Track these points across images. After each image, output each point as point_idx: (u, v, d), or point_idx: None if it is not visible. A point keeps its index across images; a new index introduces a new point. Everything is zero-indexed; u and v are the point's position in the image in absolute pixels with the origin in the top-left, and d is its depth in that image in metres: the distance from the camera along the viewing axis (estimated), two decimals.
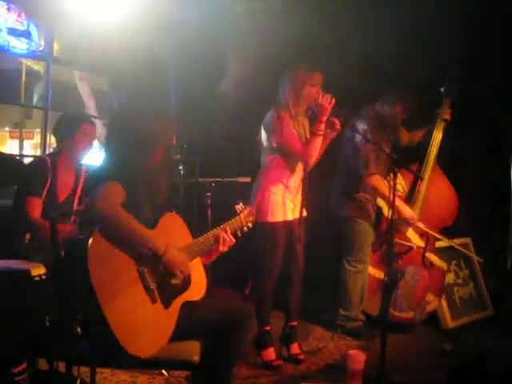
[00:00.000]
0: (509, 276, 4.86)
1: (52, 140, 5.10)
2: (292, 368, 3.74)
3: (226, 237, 2.71)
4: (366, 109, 4.41)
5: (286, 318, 3.94)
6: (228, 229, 2.74)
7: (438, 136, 4.55)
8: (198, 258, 2.63)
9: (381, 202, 4.41)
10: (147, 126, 2.51)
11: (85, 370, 2.91)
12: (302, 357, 3.84)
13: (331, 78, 3.78)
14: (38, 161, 3.63)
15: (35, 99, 8.13)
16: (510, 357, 3.45)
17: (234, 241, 2.75)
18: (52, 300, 2.61)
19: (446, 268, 4.70)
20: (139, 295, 2.25)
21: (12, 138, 15.92)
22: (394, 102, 4.34)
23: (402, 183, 4.57)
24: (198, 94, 5.85)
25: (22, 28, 5.58)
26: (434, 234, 4.47)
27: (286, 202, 3.74)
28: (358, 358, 3.30)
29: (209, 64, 5.83)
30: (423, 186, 4.53)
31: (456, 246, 4.76)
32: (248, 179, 3.84)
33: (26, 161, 5.55)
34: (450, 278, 4.85)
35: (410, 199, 4.54)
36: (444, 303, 4.67)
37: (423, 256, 4.49)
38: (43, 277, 2.73)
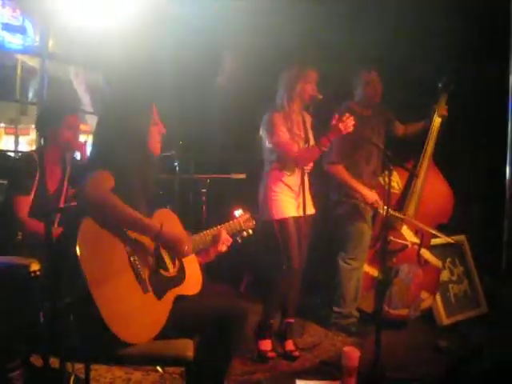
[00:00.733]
0: (503, 273, 4.87)
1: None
2: (286, 365, 3.75)
3: (225, 236, 2.72)
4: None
5: (283, 315, 3.95)
6: (224, 230, 2.74)
7: (434, 132, 4.54)
8: (193, 255, 2.63)
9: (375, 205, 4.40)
10: (136, 117, 2.49)
11: (79, 367, 2.91)
12: (296, 354, 3.85)
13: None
14: (25, 157, 3.59)
15: (31, 95, 8.09)
16: (504, 354, 3.45)
17: (231, 240, 2.75)
18: (46, 295, 2.60)
19: (440, 266, 4.71)
20: (130, 283, 2.24)
21: (7, 134, 15.86)
22: (360, 85, 4.38)
23: (397, 180, 4.57)
24: (194, 90, 5.84)
25: (17, 23, 5.56)
26: (429, 229, 4.45)
27: (289, 201, 3.74)
28: (352, 355, 3.29)
29: (205, 60, 5.83)
30: (419, 183, 4.53)
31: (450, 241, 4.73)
32: (243, 176, 3.84)
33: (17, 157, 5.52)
34: (444, 275, 4.85)
35: (405, 196, 4.54)
36: (439, 300, 4.68)
37: (418, 254, 4.49)
38: (38, 272, 2.73)
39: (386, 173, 3.46)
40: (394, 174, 4.48)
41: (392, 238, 4.36)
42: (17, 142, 7.80)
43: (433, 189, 4.59)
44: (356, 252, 4.38)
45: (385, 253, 3.52)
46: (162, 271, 2.43)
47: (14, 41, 5.60)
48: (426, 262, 4.55)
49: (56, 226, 3.36)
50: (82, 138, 3.70)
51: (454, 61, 4.55)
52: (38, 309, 2.69)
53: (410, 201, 4.51)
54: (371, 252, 4.47)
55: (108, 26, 5.53)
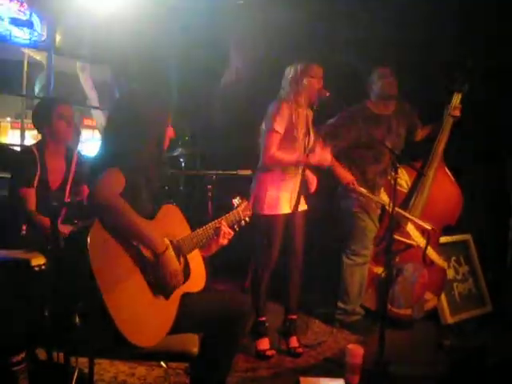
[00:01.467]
0: (508, 272, 4.86)
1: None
2: (290, 361, 3.75)
3: (225, 229, 2.72)
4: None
5: (286, 311, 3.95)
6: (224, 222, 2.74)
7: (445, 133, 4.51)
8: (196, 250, 2.63)
9: (384, 197, 4.40)
10: (145, 115, 2.49)
11: (83, 361, 2.92)
12: (300, 350, 3.85)
13: (332, 68, 3.81)
14: (25, 151, 3.61)
15: (37, 90, 8.12)
16: (508, 352, 3.45)
17: (232, 233, 2.75)
18: (51, 290, 2.61)
19: (446, 267, 4.69)
20: (139, 285, 2.25)
21: (13, 128, 15.91)
22: (381, 78, 4.37)
23: (406, 179, 4.56)
24: (199, 85, 5.85)
25: (24, 18, 5.57)
26: (424, 224, 4.40)
27: (283, 195, 3.74)
28: (356, 352, 3.30)
29: (211, 56, 5.83)
30: (427, 183, 4.50)
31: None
32: (249, 172, 3.84)
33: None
34: (449, 273, 4.84)
35: (412, 195, 4.52)
36: (443, 299, 4.66)
37: (424, 254, 4.48)
38: (42, 267, 2.73)
39: (393, 171, 3.45)
40: (404, 172, 4.48)
41: (398, 236, 4.35)
42: (23, 137, 7.81)
43: (442, 189, 4.54)
44: (359, 248, 4.38)
45: (389, 250, 3.51)
46: None
47: (20, 35, 5.61)
48: (432, 262, 4.52)
49: (60, 222, 3.36)
50: (87, 133, 3.69)
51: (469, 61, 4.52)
52: (42, 303, 2.69)
53: (417, 200, 4.49)
54: (375, 249, 4.46)
55: (114, 19, 5.54)
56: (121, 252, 2.22)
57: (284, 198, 3.74)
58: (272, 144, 3.69)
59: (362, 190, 4.20)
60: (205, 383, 2.50)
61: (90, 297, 2.08)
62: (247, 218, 2.92)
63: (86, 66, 7.62)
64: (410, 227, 4.48)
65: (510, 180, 4.85)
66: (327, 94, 3.69)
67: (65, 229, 3.12)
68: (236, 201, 2.92)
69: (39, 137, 3.57)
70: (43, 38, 5.76)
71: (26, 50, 6.80)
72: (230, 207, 2.89)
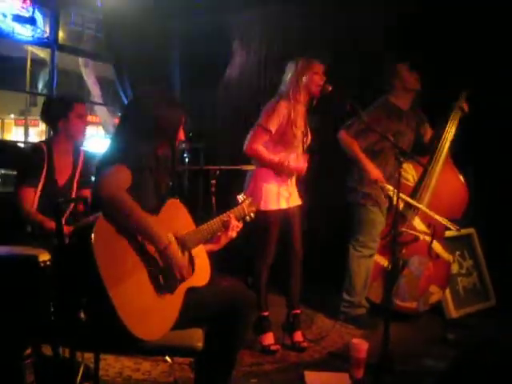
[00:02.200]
0: None
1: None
2: (295, 356, 3.75)
3: (234, 222, 2.73)
4: (383, 96, 4.46)
5: (289, 306, 3.96)
6: (233, 215, 2.75)
7: (452, 128, 4.51)
8: (201, 245, 2.64)
9: (391, 192, 4.40)
10: (156, 115, 2.51)
11: (89, 356, 2.93)
12: (304, 345, 3.85)
13: (339, 65, 3.80)
14: (33, 148, 3.59)
15: (40, 86, 8.15)
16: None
17: (241, 225, 2.77)
18: (56, 286, 2.62)
19: (452, 260, 4.69)
20: (144, 280, 2.26)
21: (17, 125, 15.97)
22: (407, 71, 4.39)
23: (413, 174, 4.57)
24: (203, 81, 5.86)
25: (27, 15, 5.58)
26: (440, 219, 4.41)
27: (279, 191, 3.75)
28: (360, 347, 3.31)
29: (216, 51, 5.83)
30: (433, 177, 4.50)
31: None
32: (253, 167, 3.84)
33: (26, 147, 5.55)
34: (453, 268, 4.84)
35: (418, 189, 4.53)
36: (448, 293, 4.66)
37: (429, 247, 4.48)
38: (48, 263, 2.74)
39: (398, 165, 3.46)
40: (411, 167, 4.50)
41: (404, 229, 4.37)
42: (26, 133, 7.85)
43: (447, 184, 4.55)
44: (367, 240, 4.40)
45: (395, 243, 3.52)
46: None
47: (23, 32, 5.62)
48: (438, 255, 4.53)
49: (64, 222, 3.37)
50: (91, 129, 3.70)
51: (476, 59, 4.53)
52: (48, 298, 2.70)
53: (423, 194, 4.49)
54: (382, 242, 4.47)
55: (117, 16, 5.55)
56: (125, 247, 2.23)
57: (280, 194, 3.75)
58: (256, 138, 3.71)
59: (389, 186, 4.21)
60: (210, 378, 2.51)
61: (95, 291, 2.09)
62: (252, 214, 2.93)
63: (89, 63, 7.64)
64: (416, 221, 4.49)
65: None
66: (329, 89, 3.69)
67: (66, 229, 3.14)
68: (241, 197, 2.94)
69: (45, 133, 3.58)
70: (46, 35, 5.77)
71: (29, 47, 6.82)
72: (233, 202, 2.89)
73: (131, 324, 2.11)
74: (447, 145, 4.51)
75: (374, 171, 4.22)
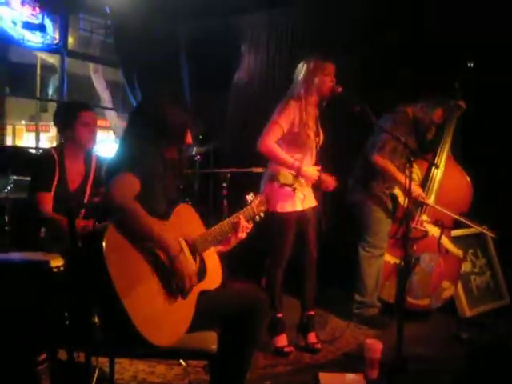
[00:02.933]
0: None
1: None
2: (309, 357, 3.75)
3: (244, 223, 2.73)
4: (401, 106, 4.47)
5: (303, 308, 3.96)
6: (242, 216, 2.75)
7: (452, 125, 4.57)
8: (212, 248, 2.65)
9: (397, 191, 4.41)
10: (168, 120, 2.52)
11: (104, 360, 2.95)
12: (318, 346, 3.85)
13: (348, 67, 3.81)
14: (44, 154, 3.62)
15: (50, 92, 8.19)
16: None
17: (250, 226, 2.77)
18: (70, 291, 2.63)
19: (461, 255, 4.68)
20: (156, 286, 2.26)
21: (28, 131, 16.05)
22: (436, 106, 4.40)
23: (417, 172, 4.58)
24: (212, 84, 5.87)
25: (36, 22, 5.62)
26: (452, 214, 4.42)
27: (295, 193, 3.74)
28: (374, 347, 3.30)
29: (225, 54, 5.84)
30: (439, 174, 4.54)
31: (469, 223, 4.67)
32: (263, 169, 3.84)
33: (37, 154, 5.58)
34: (466, 266, 4.83)
35: (424, 186, 4.54)
36: (461, 292, 4.65)
37: (438, 243, 4.48)
38: (61, 268, 2.76)
39: (407, 165, 3.46)
40: (415, 166, 4.49)
41: (414, 226, 4.38)
42: (38, 139, 7.90)
43: (451, 179, 4.60)
44: (376, 239, 4.41)
45: (406, 241, 3.52)
46: None
47: (33, 39, 5.66)
48: (447, 251, 4.53)
49: (81, 218, 3.39)
50: (102, 134, 3.72)
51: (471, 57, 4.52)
52: (62, 304, 2.72)
53: (429, 191, 4.52)
54: (391, 241, 4.47)
55: (127, 21, 5.57)
56: (136, 254, 2.23)
57: (295, 196, 3.74)
58: (271, 133, 3.67)
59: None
60: (224, 380, 2.52)
61: (108, 299, 2.09)
62: (262, 214, 2.93)
63: (99, 68, 7.67)
64: (424, 218, 4.50)
65: None
66: (339, 90, 3.69)
67: (87, 223, 3.17)
68: (249, 197, 2.93)
69: (55, 138, 3.61)
70: (56, 41, 5.81)
71: (39, 54, 6.87)
72: (243, 205, 2.90)
73: (145, 330, 2.11)
74: (448, 142, 4.57)
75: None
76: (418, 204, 4.43)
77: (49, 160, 3.42)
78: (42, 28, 5.60)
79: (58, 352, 2.85)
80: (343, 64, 3.86)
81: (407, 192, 3.45)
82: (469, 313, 4.63)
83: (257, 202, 2.91)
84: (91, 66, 7.75)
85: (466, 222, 4.47)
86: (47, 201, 3.34)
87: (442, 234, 4.48)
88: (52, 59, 7.38)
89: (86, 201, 3.50)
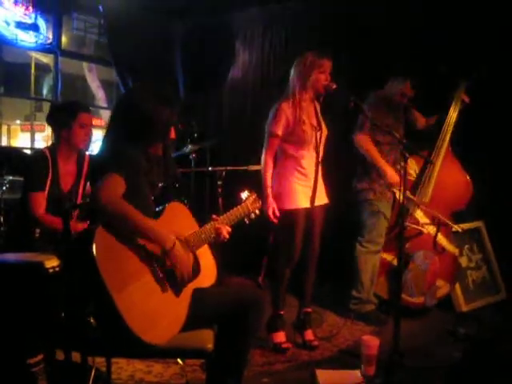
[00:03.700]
0: None
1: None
2: (306, 354, 3.75)
3: (222, 228, 2.71)
4: (371, 94, 4.46)
5: (301, 305, 3.96)
6: (221, 221, 2.74)
7: (452, 120, 4.54)
8: (206, 245, 2.64)
9: (394, 188, 4.40)
10: (149, 115, 2.49)
11: (101, 361, 2.94)
12: (315, 343, 3.85)
13: (345, 63, 3.81)
14: (37, 154, 3.61)
15: (45, 92, 8.18)
16: None
17: (229, 230, 2.75)
18: (65, 291, 2.63)
19: (458, 253, 4.68)
20: (149, 284, 2.26)
21: (23, 130, 16.01)
22: (405, 80, 4.40)
23: (414, 168, 4.58)
24: (207, 82, 5.86)
25: (29, 21, 5.60)
26: (441, 217, 4.42)
27: (303, 190, 3.73)
28: (371, 343, 3.30)
29: (220, 51, 5.83)
30: (435, 170, 4.52)
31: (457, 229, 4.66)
32: (259, 167, 3.84)
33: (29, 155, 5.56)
34: (463, 261, 4.83)
35: (419, 183, 4.54)
36: (458, 287, 4.66)
37: (434, 241, 4.48)
38: (57, 268, 2.75)
39: (402, 160, 3.45)
40: (412, 161, 4.52)
41: (409, 223, 4.37)
42: (33, 139, 7.88)
43: (449, 176, 4.58)
44: (373, 236, 4.41)
45: (402, 238, 3.52)
46: None
47: (27, 39, 5.64)
48: (443, 249, 4.53)
49: (75, 220, 3.38)
50: (97, 133, 3.70)
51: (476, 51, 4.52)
52: (58, 304, 2.72)
53: (426, 187, 4.51)
54: (386, 238, 4.47)
55: (120, 19, 5.55)
56: (128, 253, 2.23)
57: (304, 192, 3.74)
58: (270, 148, 3.77)
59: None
60: (221, 379, 2.51)
61: (101, 299, 2.10)
62: (257, 211, 2.93)
63: (93, 67, 7.66)
64: (419, 214, 4.50)
65: None
66: (334, 87, 3.69)
67: (80, 226, 3.16)
68: (244, 194, 2.93)
69: (50, 138, 3.60)
70: (49, 41, 5.80)
71: (33, 53, 6.86)
72: (237, 203, 2.90)
73: (138, 329, 2.11)
74: (448, 137, 4.55)
75: (393, 175, 4.23)
76: (411, 202, 4.42)
77: (42, 160, 3.41)
78: (35, 28, 5.58)
79: (54, 353, 2.85)
80: (340, 62, 3.86)
81: (402, 189, 3.45)
82: (465, 308, 4.64)
83: (251, 199, 2.92)
84: (85, 65, 7.74)
85: (450, 223, 4.46)
86: (40, 201, 3.32)
87: (438, 231, 4.47)
88: (46, 59, 7.36)
89: (78, 201, 3.50)
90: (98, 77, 7.85)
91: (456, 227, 4.52)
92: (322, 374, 3.30)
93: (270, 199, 3.68)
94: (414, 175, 4.58)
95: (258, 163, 3.88)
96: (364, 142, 4.31)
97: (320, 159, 3.76)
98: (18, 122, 16.02)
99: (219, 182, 4.50)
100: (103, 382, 2.95)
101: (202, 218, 2.71)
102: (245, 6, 5.67)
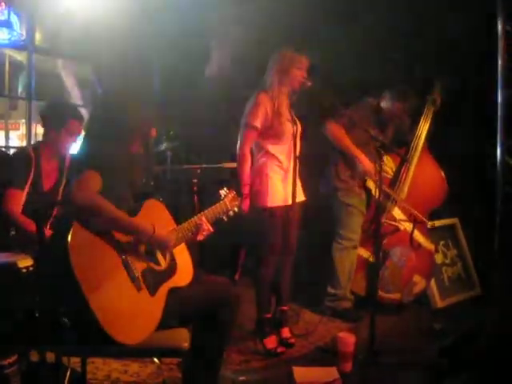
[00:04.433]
0: (496, 255, 4.89)
1: (38, 129, 5.03)
2: (283, 352, 3.74)
3: (205, 226, 2.71)
4: (365, 99, 4.52)
5: (277, 303, 3.95)
6: (205, 218, 2.73)
7: (427, 120, 4.64)
8: (183, 244, 2.64)
9: (370, 184, 4.43)
10: (127, 114, 2.49)
11: (76, 361, 2.92)
12: (292, 341, 3.86)
13: (317, 62, 3.82)
14: (21, 152, 3.58)
15: (20, 89, 8.07)
16: (497, 334, 3.47)
17: (211, 230, 2.75)
18: (40, 291, 2.60)
19: (434, 249, 4.73)
20: (124, 283, 2.25)
21: None
22: (393, 100, 4.42)
23: (391, 165, 4.62)
24: (182, 79, 5.83)
25: (2, 18, 5.52)
26: (417, 213, 4.46)
27: (284, 186, 3.72)
28: (347, 340, 3.32)
29: (194, 49, 5.81)
30: (411, 168, 4.58)
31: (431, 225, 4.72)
32: (234, 165, 3.83)
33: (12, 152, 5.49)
34: (438, 258, 4.88)
35: (396, 180, 4.58)
36: (433, 283, 4.70)
37: (411, 237, 4.51)
38: (30, 268, 2.72)
39: (377, 157, 3.48)
40: (389, 159, 4.56)
41: (385, 220, 4.40)
42: (7, 137, 7.77)
43: (425, 174, 4.65)
44: (347, 231, 4.43)
45: (378, 235, 3.54)
46: (153, 266, 2.43)
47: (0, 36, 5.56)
48: (420, 245, 4.57)
49: (48, 226, 3.34)
50: None
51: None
52: (32, 304, 2.69)
53: (402, 185, 4.55)
54: (363, 234, 4.49)
55: (94, 16, 5.50)
56: (103, 251, 2.23)
57: (284, 189, 3.72)
58: (247, 140, 3.70)
59: (371, 182, 4.30)
60: (197, 377, 2.52)
61: (74, 298, 2.08)
62: (235, 208, 2.93)
63: (68, 64, 7.57)
64: (396, 211, 4.53)
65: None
66: (308, 85, 3.70)
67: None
68: (223, 192, 2.92)
69: (25, 136, 3.55)
70: (23, 38, 5.72)
71: (7, 51, 6.75)
72: (216, 200, 2.89)
73: (111, 328, 2.10)
74: (422, 137, 4.65)
75: (368, 163, 4.24)
76: (388, 198, 4.46)
77: (25, 158, 3.37)
78: (8, 24, 5.51)
79: (28, 353, 2.81)
80: (315, 60, 3.87)
81: (379, 185, 3.46)
82: (441, 304, 4.68)
83: (230, 196, 2.91)
84: (60, 62, 7.65)
85: (425, 220, 4.50)
86: (17, 200, 3.28)
87: (414, 228, 4.51)
88: (20, 56, 7.25)
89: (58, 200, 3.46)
90: (73, 74, 7.76)
91: (431, 224, 4.56)
92: (298, 371, 3.31)
93: (247, 199, 3.64)
94: (391, 173, 4.62)
95: (232, 160, 3.87)
96: (336, 130, 4.30)
97: (298, 154, 3.76)
98: None
99: (194, 180, 4.49)
100: (79, 383, 2.93)
101: (177, 215, 2.70)
102: (221, 5, 5.66)
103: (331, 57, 4.84)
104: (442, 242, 5.01)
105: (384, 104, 4.46)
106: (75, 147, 3.61)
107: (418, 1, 4.73)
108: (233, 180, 3.75)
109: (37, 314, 2.66)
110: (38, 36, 6.07)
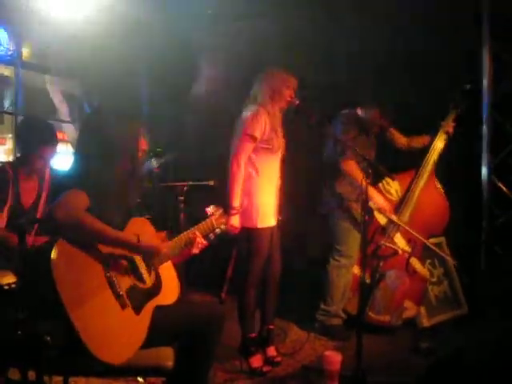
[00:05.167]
0: (482, 274, 4.90)
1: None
2: (269, 371, 3.72)
3: (199, 240, 2.70)
4: (347, 111, 4.50)
5: (263, 321, 3.93)
6: (198, 232, 2.72)
7: (437, 146, 4.56)
8: (169, 262, 2.61)
9: (372, 205, 4.39)
10: (114, 131, 2.47)
11: (58, 379, 2.87)
12: (278, 359, 3.84)
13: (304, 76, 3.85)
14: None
15: (7, 104, 8.02)
16: (484, 353, 3.46)
17: (205, 243, 2.74)
18: (22, 308, 2.56)
19: (428, 277, 4.72)
20: (108, 301, 2.22)
21: None
22: (371, 107, 4.41)
23: (396, 188, 4.58)
24: (171, 95, 5.84)
25: None
26: (420, 238, 4.42)
27: (271, 206, 3.73)
28: (334, 359, 3.30)
29: (181, 66, 5.82)
30: (416, 192, 4.52)
31: (439, 252, 4.68)
32: (221, 182, 3.82)
33: None
34: None
35: (401, 203, 4.56)
36: None
37: (407, 262, 4.49)
38: (12, 285, 2.68)
39: (366, 177, 3.47)
40: (395, 182, 4.51)
41: (384, 242, 4.37)
42: None
43: (430, 200, 4.57)
44: (344, 249, 4.42)
45: (374, 256, 3.53)
46: (138, 284, 2.41)
47: None
48: (415, 271, 4.55)
49: (33, 234, 3.30)
50: (59, 147, 3.60)
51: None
52: (14, 322, 2.64)
53: (405, 208, 4.51)
54: (361, 255, 4.46)
55: (82, 33, 5.49)
56: (87, 268, 2.20)
57: (270, 208, 3.73)
58: (243, 148, 3.65)
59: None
60: None
61: (57, 316, 2.05)
62: (222, 226, 2.90)
63: (55, 80, 7.54)
64: (397, 236, 4.49)
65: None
66: (297, 103, 3.71)
67: (40, 239, 3.09)
68: (210, 209, 2.91)
69: (12, 151, 3.51)
70: (10, 52, 5.70)
71: None
72: (202, 218, 2.87)
73: (95, 348, 2.07)
74: (431, 162, 4.56)
75: (381, 201, 4.25)
76: (392, 222, 4.42)
77: (3, 176, 3.31)
78: None
79: (8, 371, 2.77)
80: (306, 80, 3.90)
81: (362, 204, 3.45)
82: (427, 323, 4.66)
83: (217, 214, 2.89)
84: (47, 77, 7.63)
85: (434, 248, 4.46)
86: None
87: (412, 253, 4.49)
88: (7, 71, 7.23)
89: (39, 216, 3.42)
90: (61, 90, 7.74)
91: (434, 248, 4.51)
92: None
93: (236, 219, 3.59)
94: (396, 196, 4.58)
95: (221, 178, 3.85)
96: (351, 168, 4.26)
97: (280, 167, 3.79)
98: None
99: (181, 198, 4.47)
100: None
101: (164, 232, 2.69)
102: (210, 22, 5.68)
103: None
104: (428, 261, 4.98)
105: (361, 113, 4.47)
106: (58, 159, 3.57)
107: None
108: (221, 195, 3.72)
109: (19, 332, 2.62)
110: (25, 51, 6.06)
